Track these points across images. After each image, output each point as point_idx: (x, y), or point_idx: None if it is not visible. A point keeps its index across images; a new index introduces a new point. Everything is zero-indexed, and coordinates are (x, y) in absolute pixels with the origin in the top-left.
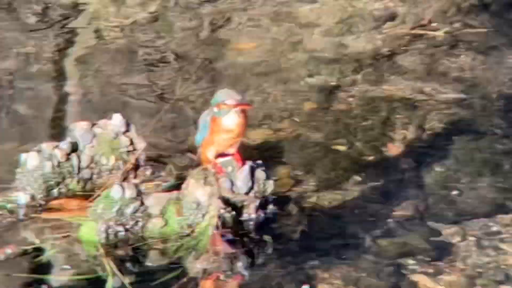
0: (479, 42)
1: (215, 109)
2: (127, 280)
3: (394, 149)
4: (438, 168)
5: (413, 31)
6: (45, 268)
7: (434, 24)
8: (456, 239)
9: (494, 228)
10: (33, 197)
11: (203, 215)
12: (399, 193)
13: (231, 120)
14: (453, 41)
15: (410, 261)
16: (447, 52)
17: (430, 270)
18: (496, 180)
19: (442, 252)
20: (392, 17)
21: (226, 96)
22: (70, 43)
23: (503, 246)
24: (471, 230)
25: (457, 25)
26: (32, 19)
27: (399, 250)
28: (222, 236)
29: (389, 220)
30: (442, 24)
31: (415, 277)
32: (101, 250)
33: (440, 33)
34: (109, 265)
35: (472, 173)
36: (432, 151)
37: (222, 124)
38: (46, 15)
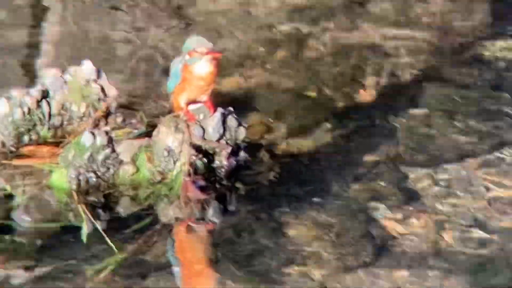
0: None
1: (187, 57)
2: (100, 227)
3: (365, 95)
4: (408, 114)
5: None
6: (16, 214)
7: None
8: (425, 184)
9: (464, 173)
10: (3, 144)
11: (175, 162)
12: (370, 139)
13: (203, 67)
14: None
15: (380, 206)
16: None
17: (399, 215)
18: (466, 125)
19: (411, 196)
20: None
21: (197, 43)
22: None
23: (472, 190)
24: (440, 175)
25: None
26: None
27: (369, 195)
28: (194, 183)
29: (360, 165)
30: None
31: (385, 222)
32: (75, 197)
33: None
34: (84, 212)
35: (442, 118)
36: (403, 97)
37: (194, 71)
38: None
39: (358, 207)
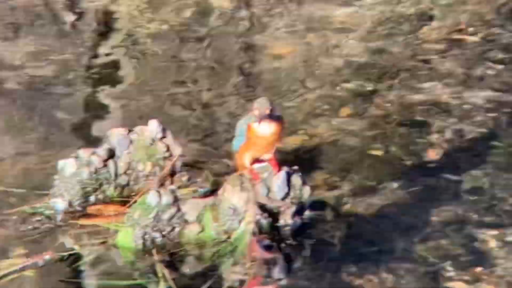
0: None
1: (253, 118)
2: (173, 286)
3: (432, 154)
4: (476, 174)
5: (450, 36)
6: (84, 273)
7: (471, 29)
8: (495, 245)
9: None
10: (70, 204)
11: (240, 221)
12: (437, 198)
13: (264, 128)
14: (490, 46)
15: (448, 268)
16: (484, 57)
17: (468, 277)
18: None
19: (480, 258)
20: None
21: (261, 104)
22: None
23: None
24: (510, 236)
25: (494, 29)
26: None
27: (437, 256)
28: (259, 242)
29: (427, 225)
30: (479, 28)
31: (453, 284)
32: (155, 256)
33: (476, 38)
34: (162, 271)
35: (510, 179)
36: (471, 156)
37: (258, 131)
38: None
39: (426, 268)
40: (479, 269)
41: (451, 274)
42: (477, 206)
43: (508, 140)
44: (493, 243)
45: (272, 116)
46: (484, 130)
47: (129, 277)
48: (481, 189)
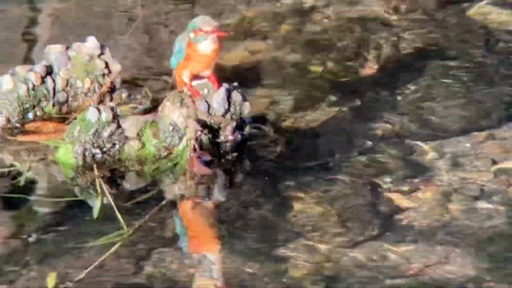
0: None
1: (192, 35)
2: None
3: (368, 69)
4: (412, 87)
5: None
6: (24, 189)
7: None
8: (431, 157)
9: (468, 145)
10: (8, 120)
11: (180, 138)
12: (374, 112)
13: (208, 46)
14: None
15: (386, 179)
16: None
17: (406, 188)
18: (470, 98)
19: (417, 170)
20: None
21: (203, 22)
22: None
23: (477, 162)
24: (446, 148)
25: None
26: None
27: (375, 169)
28: (199, 158)
29: (365, 139)
30: None
31: (391, 195)
32: (96, 171)
33: None
34: (100, 187)
35: (446, 91)
36: (407, 71)
37: (199, 50)
38: None
39: (364, 181)
40: (416, 180)
41: (389, 186)
42: (412, 119)
43: (444, 52)
44: (429, 156)
45: (218, 35)
46: (420, 45)
47: (69, 194)
48: (417, 103)
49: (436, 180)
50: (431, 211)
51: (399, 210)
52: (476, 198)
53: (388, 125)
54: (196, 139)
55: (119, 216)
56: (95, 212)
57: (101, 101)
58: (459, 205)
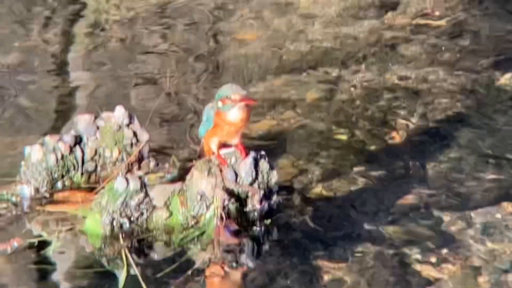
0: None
1: (220, 104)
2: (138, 273)
3: (397, 137)
4: (441, 157)
5: (415, 21)
6: (52, 260)
7: (436, 13)
8: (460, 228)
9: (498, 216)
10: (37, 190)
11: (207, 206)
12: (402, 181)
13: (236, 115)
14: (456, 30)
15: (415, 250)
16: (451, 41)
17: (434, 259)
18: (499, 169)
19: (446, 241)
20: (393, 7)
21: (231, 90)
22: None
23: (507, 233)
24: (475, 219)
25: (459, 13)
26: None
27: (403, 239)
28: (227, 227)
29: (393, 209)
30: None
31: (419, 267)
32: (121, 241)
33: (442, 22)
34: (126, 257)
35: (475, 162)
36: (436, 140)
37: (226, 118)
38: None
39: (393, 251)
40: (445, 251)
41: (418, 257)
42: (441, 189)
43: (473, 122)
44: (458, 226)
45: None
46: (449, 113)
47: (96, 264)
48: (446, 172)
49: (465, 251)
50: (460, 284)
51: (428, 282)
52: (506, 271)
53: (416, 195)
54: (224, 208)
55: (144, 287)
56: (121, 284)
57: (129, 170)
58: (489, 278)
